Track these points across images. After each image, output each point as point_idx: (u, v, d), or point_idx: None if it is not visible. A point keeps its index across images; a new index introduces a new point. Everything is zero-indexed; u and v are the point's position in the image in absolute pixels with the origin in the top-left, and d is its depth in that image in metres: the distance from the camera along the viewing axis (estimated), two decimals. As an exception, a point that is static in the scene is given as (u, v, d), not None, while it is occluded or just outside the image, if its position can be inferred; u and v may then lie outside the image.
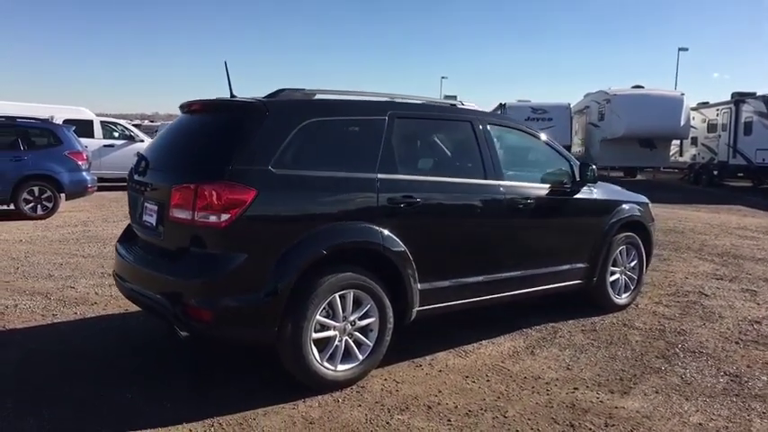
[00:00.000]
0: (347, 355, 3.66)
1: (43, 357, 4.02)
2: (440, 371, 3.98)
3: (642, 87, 21.54)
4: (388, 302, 3.74)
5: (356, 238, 3.57)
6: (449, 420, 3.29)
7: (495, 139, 4.46)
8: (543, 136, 5.03)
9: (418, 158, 4.19)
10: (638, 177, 25.64)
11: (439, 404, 3.48)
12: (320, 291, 3.43)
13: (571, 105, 24.46)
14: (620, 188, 5.77)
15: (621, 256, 5.43)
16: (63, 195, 10.17)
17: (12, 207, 9.84)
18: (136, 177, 3.88)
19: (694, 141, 22.85)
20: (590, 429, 3.25)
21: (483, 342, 4.52)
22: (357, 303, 3.66)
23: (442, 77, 39.33)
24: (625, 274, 5.51)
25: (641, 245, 5.56)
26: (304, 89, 3.76)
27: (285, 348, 3.41)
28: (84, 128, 14.21)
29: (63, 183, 9.96)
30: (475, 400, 3.54)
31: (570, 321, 5.06)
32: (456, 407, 3.45)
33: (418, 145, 4.26)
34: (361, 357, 3.69)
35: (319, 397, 3.49)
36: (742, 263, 7.80)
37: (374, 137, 3.79)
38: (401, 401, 3.50)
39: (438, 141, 4.38)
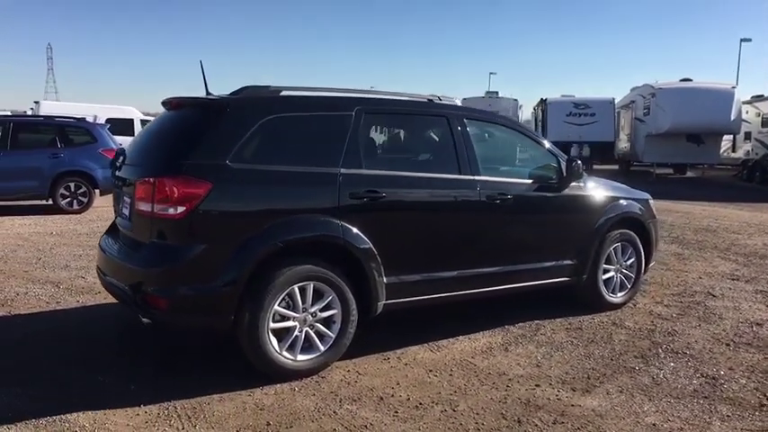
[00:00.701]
0: (308, 346, 3.75)
1: (36, 340, 4.30)
2: (406, 364, 4.02)
3: (690, 80, 20.67)
4: (350, 295, 3.81)
5: (313, 232, 3.66)
6: (396, 412, 3.34)
7: (473, 135, 4.44)
8: (530, 132, 4.98)
9: (386, 153, 4.24)
10: (688, 174, 24.65)
11: (392, 396, 3.53)
12: (277, 282, 3.53)
13: (616, 100, 23.77)
14: (617, 184, 5.63)
15: (616, 253, 5.30)
16: (97, 191, 10.70)
17: (50, 202, 10.43)
18: (116, 173, 4.09)
19: (748, 136, 21.79)
20: (536, 426, 3.23)
21: (460, 337, 4.52)
22: (319, 295, 3.74)
23: (491, 73, 38.75)
24: (621, 273, 5.37)
25: (639, 243, 5.40)
26: (270, 86, 3.87)
27: (243, 337, 3.53)
28: (125, 126, 14.87)
29: (97, 179, 10.48)
30: (430, 394, 3.57)
31: (558, 319, 4.99)
32: (408, 399, 3.49)
33: (387, 140, 4.31)
34: (322, 348, 3.77)
35: (277, 385, 3.60)
36: (767, 264, 7.44)
37: (339, 132, 3.86)
38: (356, 392, 3.56)
39: (409, 136, 4.41)
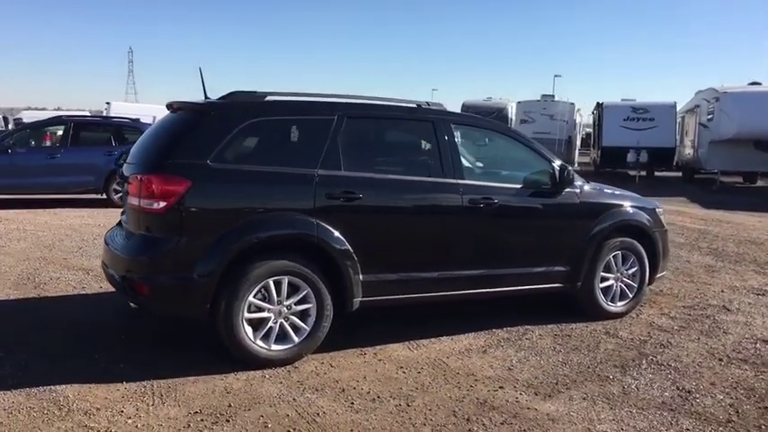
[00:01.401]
0: (283, 337, 3.96)
1: (51, 320, 4.74)
2: (380, 360, 4.16)
3: (759, 84, 19.54)
4: (325, 290, 4.00)
5: (287, 230, 3.87)
6: (352, 403, 3.50)
7: (459, 140, 4.54)
8: (523, 138, 5.00)
9: (366, 156, 4.37)
10: (759, 184, 23.26)
11: (354, 389, 3.69)
12: (252, 275, 3.77)
13: (680, 105, 22.78)
14: (619, 190, 5.55)
15: (616, 262, 5.22)
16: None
17: (104, 196, 11.20)
18: (121, 170, 4.45)
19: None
20: (483, 425, 3.30)
21: (443, 338, 4.62)
22: (295, 289, 3.95)
23: (555, 76, 37.74)
24: (622, 282, 5.29)
25: (643, 252, 5.29)
26: (256, 92, 4.11)
27: (220, 325, 3.79)
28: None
29: (148, 175, 11.12)
30: (391, 389, 3.70)
31: (549, 326, 4.98)
32: (368, 392, 3.64)
33: (367, 144, 4.45)
34: (296, 340, 3.98)
35: (251, 372, 3.83)
36: (802, 279, 7.05)
37: (319, 135, 4.06)
38: (321, 383, 3.75)
39: (391, 141, 4.55)
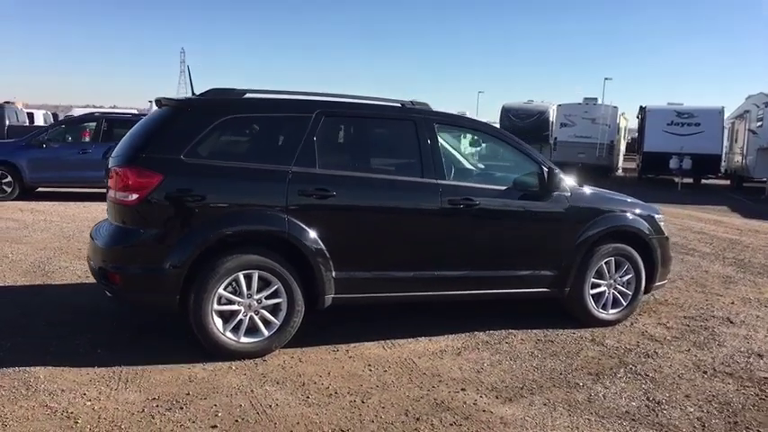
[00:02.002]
0: (253, 330, 4.04)
1: (49, 305, 4.97)
2: (350, 357, 4.19)
3: (814, 89, 18.54)
4: (296, 286, 4.06)
5: (256, 225, 3.96)
6: (307, 397, 3.54)
7: (441, 140, 4.52)
8: (512, 140, 4.94)
9: (342, 155, 4.42)
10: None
11: (314, 383, 3.74)
12: (222, 268, 3.87)
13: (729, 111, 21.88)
14: (617, 195, 5.41)
15: (608, 268, 5.08)
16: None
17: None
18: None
19: None
20: (431, 425, 3.30)
21: (421, 338, 4.61)
22: (266, 284, 4.03)
23: (606, 78, 36.64)
24: (615, 289, 5.14)
25: (638, 259, 5.14)
26: (234, 89, 4.21)
27: (190, 316, 3.91)
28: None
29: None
30: (351, 385, 3.73)
31: (535, 330, 4.89)
32: (327, 388, 3.68)
33: (345, 142, 4.49)
34: (266, 333, 4.06)
35: (219, 363, 3.93)
36: (826, 294, 6.68)
37: (296, 133, 4.13)
38: (284, 376, 3.81)
39: (370, 140, 4.57)
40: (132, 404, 3.35)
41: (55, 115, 28.92)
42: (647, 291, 5.35)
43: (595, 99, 24.54)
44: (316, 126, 4.17)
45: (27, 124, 16.60)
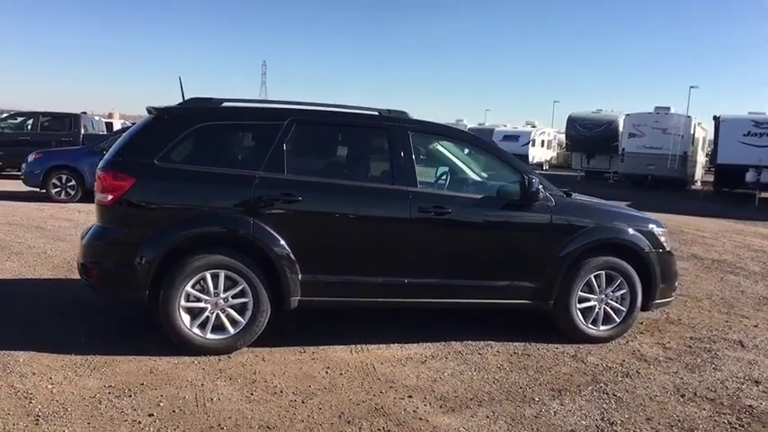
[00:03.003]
0: (220, 328, 4.21)
1: (56, 299, 5.36)
2: (313, 359, 4.27)
3: None
4: (261, 287, 4.19)
5: (221, 227, 4.13)
6: (251, 394, 3.66)
7: (415, 148, 4.54)
8: (493, 147, 4.87)
9: (312, 161, 4.51)
10: None
11: (265, 382, 3.85)
12: (189, 267, 4.07)
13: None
14: (613, 206, 5.18)
15: (599, 282, 4.88)
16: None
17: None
18: None
19: None
20: (359, 428, 3.33)
21: (394, 345, 4.62)
22: (233, 283, 4.19)
23: (691, 87, 34.75)
24: (607, 304, 4.93)
25: (632, 273, 4.89)
26: (213, 98, 4.42)
27: (159, 311, 4.13)
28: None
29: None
30: (300, 386, 3.81)
31: (515, 343, 4.77)
32: (275, 386, 3.79)
33: (316, 149, 4.59)
34: (232, 331, 4.21)
35: (185, 357, 4.12)
36: None
37: (267, 140, 4.29)
38: (239, 373, 3.95)
39: (342, 147, 4.64)
40: (88, 390, 3.59)
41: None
42: (645, 308, 5.08)
43: (668, 108, 23.34)
44: (287, 133, 4.31)
45: (105, 133, 17.87)
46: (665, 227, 5.27)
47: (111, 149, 4.40)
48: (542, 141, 35.00)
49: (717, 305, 6.38)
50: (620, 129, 25.20)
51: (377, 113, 4.65)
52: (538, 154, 34.40)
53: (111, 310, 5.13)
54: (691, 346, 4.99)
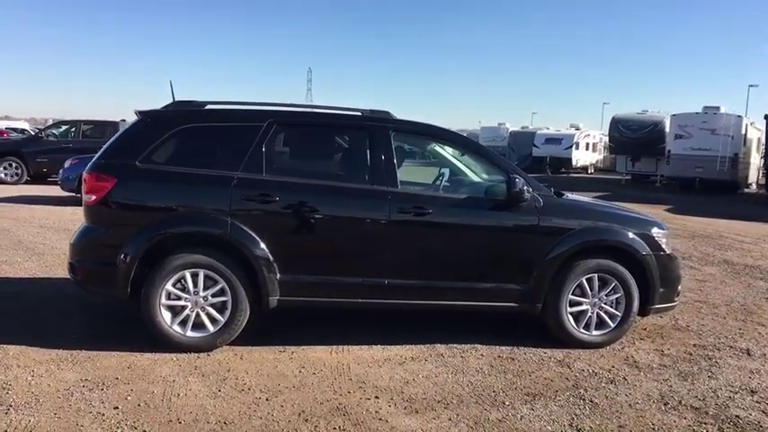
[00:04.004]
0: (201, 326, 4.30)
1: (67, 298, 5.56)
2: (291, 359, 4.30)
3: None
4: (240, 286, 4.26)
5: (199, 227, 4.22)
6: (219, 391, 3.72)
7: (398, 148, 4.52)
8: (479, 147, 4.80)
9: (291, 162, 4.55)
10: None
11: (236, 379, 3.90)
12: (169, 266, 4.18)
13: None
14: (609, 206, 5.00)
15: (591, 285, 4.72)
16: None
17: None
18: None
19: None
20: (315, 427, 3.33)
21: (376, 346, 4.59)
22: (212, 282, 4.27)
23: (750, 86, 33.27)
24: (600, 308, 4.76)
25: (628, 277, 4.71)
26: (194, 101, 4.54)
27: (142, 309, 4.26)
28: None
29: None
30: (269, 384, 3.85)
31: (502, 347, 4.67)
32: (245, 384, 3.84)
33: (295, 150, 4.62)
34: (212, 329, 4.30)
35: (166, 354, 4.23)
36: None
37: (246, 141, 4.36)
38: (213, 370, 4.02)
39: (321, 147, 4.66)
40: (65, 382, 3.74)
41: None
42: (643, 313, 4.89)
43: (717, 107, 22.35)
44: (266, 134, 4.37)
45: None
46: (667, 228, 5.06)
47: (98, 152, 4.58)
48: (587, 144, 34.12)
49: (734, 312, 6.06)
50: (667, 130, 24.31)
51: (359, 114, 4.66)
52: (582, 157, 33.56)
53: (109, 308, 5.30)
54: (691, 354, 4.76)
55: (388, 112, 4.69)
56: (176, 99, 4.73)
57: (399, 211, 4.39)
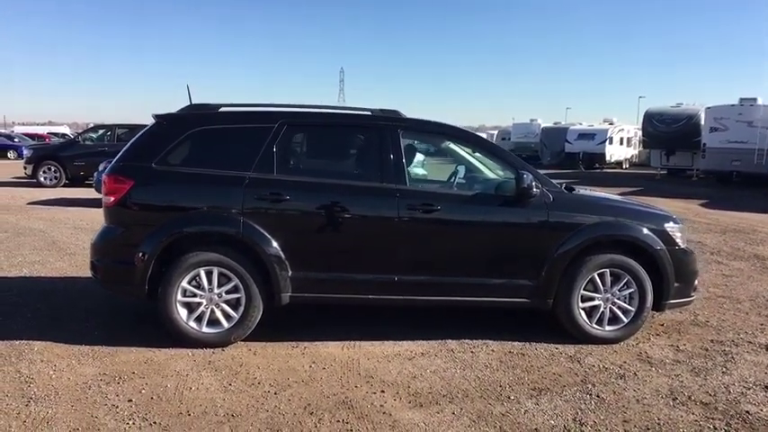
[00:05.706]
0: (216, 322, 4.43)
1: (94, 297, 5.76)
2: (303, 354, 4.40)
3: None
4: (252, 283, 4.38)
5: (212, 226, 4.35)
6: (230, 385, 3.83)
7: (405, 146, 4.57)
8: (488, 144, 4.80)
9: (302, 161, 4.64)
10: None
11: (248, 373, 4.02)
12: (184, 264, 4.32)
13: None
14: (621, 201, 4.94)
15: (603, 281, 4.68)
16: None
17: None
18: None
19: None
20: (320, 420, 3.42)
21: (387, 342, 4.65)
22: (226, 279, 4.40)
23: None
24: (613, 304, 4.72)
25: (641, 272, 4.65)
26: (209, 104, 4.66)
27: (159, 306, 4.41)
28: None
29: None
30: (279, 378, 3.95)
31: (514, 343, 4.67)
32: (255, 378, 3.94)
33: (305, 149, 4.71)
34: (226, 326, 4.42)
35: (182, 349, 4.37)
36: None
37: (257, 142, 4.47)
38: (226, 365, 4.14)
39: (331, 147, 4.73)
40: (84, 376, 3.91)
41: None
42: (658, 309, 4.82)
43: (754, 99, 21.65)
44: (277, 135, 4.48)
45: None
46: (681, 223, 4.97)
47: (117, 155, 4.75)
48: (621, 139, 33.43)
49: (758, 308, 5.91)
50: (702, 123, 23.67)
51: (369, 113, 4.73)
52: (616, 152, 32.90)
53: (132, 306, 5.49)
54: (707, 349, 4.68)
55: (397, 111, 4.74)
56: (192, 102, 4.89)
57: (408, 208, 4.44)
